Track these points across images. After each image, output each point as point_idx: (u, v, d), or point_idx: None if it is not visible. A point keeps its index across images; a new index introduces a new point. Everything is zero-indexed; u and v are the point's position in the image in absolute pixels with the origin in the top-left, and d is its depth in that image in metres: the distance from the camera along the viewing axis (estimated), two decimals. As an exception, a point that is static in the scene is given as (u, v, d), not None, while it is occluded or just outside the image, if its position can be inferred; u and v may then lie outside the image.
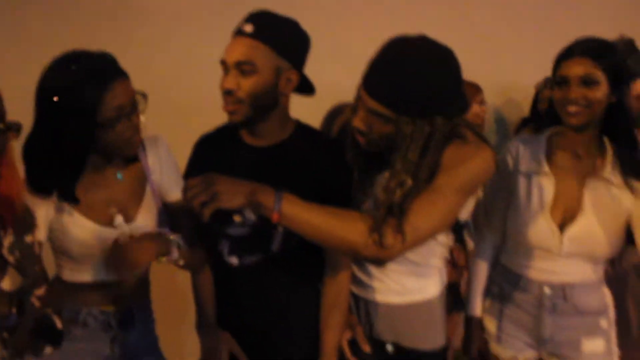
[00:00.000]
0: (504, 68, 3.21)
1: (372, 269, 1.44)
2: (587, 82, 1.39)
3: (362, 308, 1.47)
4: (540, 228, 1.51)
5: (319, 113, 1.66)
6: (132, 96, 1.23)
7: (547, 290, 1.53)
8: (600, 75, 1.39)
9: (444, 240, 1.41)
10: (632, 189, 1.46)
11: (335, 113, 1.89)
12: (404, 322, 1.44)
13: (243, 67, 1.27)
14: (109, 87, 1.18)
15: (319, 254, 1.41)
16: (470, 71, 2.60)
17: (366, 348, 1.38)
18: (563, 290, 1.53)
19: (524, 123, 3.01)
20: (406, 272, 1.41)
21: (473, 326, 1.69)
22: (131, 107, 1.23)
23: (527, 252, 1.57)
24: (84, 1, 2.00)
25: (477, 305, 1.69)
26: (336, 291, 1.40)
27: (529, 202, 1.53)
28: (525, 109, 3.11)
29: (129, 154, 1.32)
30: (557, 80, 1.45)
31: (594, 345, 1.54)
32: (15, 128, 1.11)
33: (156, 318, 1.53)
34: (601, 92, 1.39)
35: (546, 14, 3.21)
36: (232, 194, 1.08)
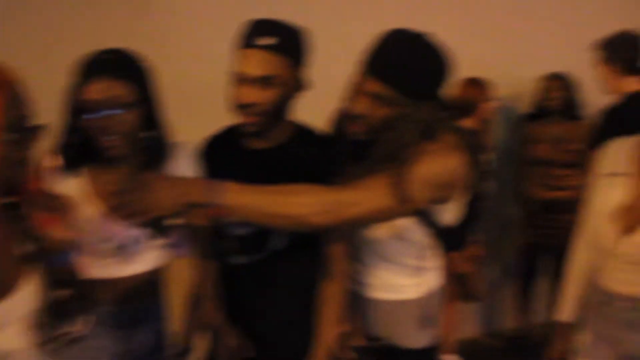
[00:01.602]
0: (511, 61, 3.22)
1: (359, 265, 1.47)
2: None
3: (356, 303, 1.49)
4: (609, 232, 1.43)
5: (320, 108, 1.68)
6: (108, 96, 1.25)
7: (624, 303, 1.44)
8: None
9: (419, 239, 1.41)
10: None
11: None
12: (391, 319, 1.46)
13: (266, 81, 1.30)
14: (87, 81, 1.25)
15: (319, 248, 1.42)
16: (479, 64, 2.65)
17: (358, 342, 1.40)
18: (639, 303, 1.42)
19: (530, 117, 3.05)
20: (384, 268, 1.45)
21: (557, 331, 1.67)
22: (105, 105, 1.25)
23: (604, 260, 1.49)
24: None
25: (564, 311, 1.64)
26: (333, 284, 1.43)
27: (603, 206, 1.46)
28: (531, 103, 3.13)
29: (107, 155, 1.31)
30: None
31: None
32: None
33: (170, 316, 1.55)
34: None
35: (552, 7, 3.21)
36: (161, 200, 1.03)
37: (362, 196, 1.17)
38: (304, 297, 1.45)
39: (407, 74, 1.21)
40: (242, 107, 1.31)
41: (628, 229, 1.39)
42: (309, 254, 1.43)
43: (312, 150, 1.41)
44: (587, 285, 1.60)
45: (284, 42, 1.31)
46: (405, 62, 1.21)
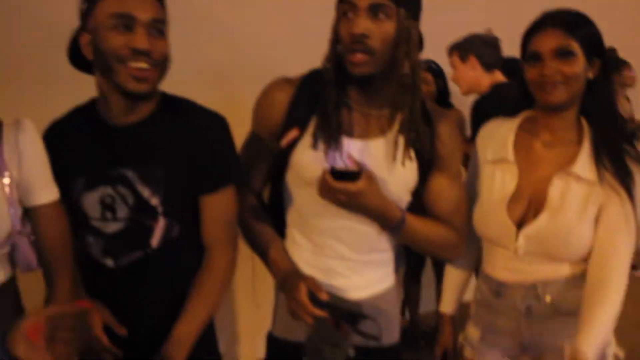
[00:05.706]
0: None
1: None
2: (562, 54, 1.26)
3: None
4: (498, 223, 1.36)
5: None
6: None
7: (519, 291, 1.38)
8: (576, 47, 1.26)
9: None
10: (603, 184, 1.29)
11: None
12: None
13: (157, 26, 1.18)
14: None
15: (200, 245, 1.29)
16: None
17: (324, 296, 1.22)
18: (535, 290, 1.37)
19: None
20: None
21: (441, 323, 1.62)
22: None
23: (493, 251, 1.43)
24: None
25: (446, 302, 1.60)
26: (211, 278, 1.27)
27: (490, 194, 1.38)
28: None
29: None
30: (528, 56, 1.30)
31: None
32: None
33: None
34: (578, 65, 1.26)
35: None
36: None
37: None
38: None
39: None
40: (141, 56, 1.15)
41: (518, 219, 1.34)
42: (189, 250, 1.29)
43: (191, 125, 1.26)
44: (469, 276, 1.58)
45: None
46: None
